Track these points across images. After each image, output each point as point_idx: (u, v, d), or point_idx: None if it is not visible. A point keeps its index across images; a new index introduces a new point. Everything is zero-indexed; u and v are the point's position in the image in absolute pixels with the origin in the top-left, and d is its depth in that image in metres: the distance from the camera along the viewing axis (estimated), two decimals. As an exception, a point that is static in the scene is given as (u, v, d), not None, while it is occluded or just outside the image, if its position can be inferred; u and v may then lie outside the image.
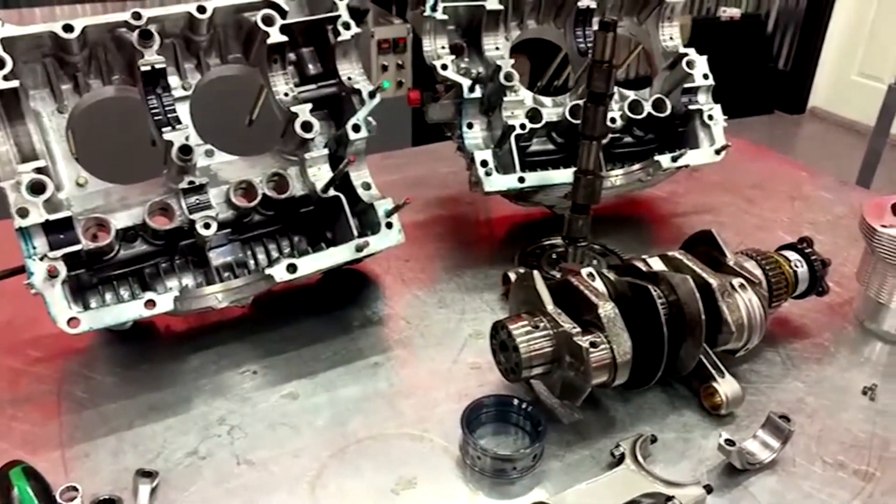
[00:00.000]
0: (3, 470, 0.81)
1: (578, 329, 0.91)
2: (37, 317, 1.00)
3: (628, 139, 1.44)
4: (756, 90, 6.15)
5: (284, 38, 1.09)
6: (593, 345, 0.90)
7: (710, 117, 1.38)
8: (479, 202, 1.54)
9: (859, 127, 5.27)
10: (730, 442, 0.87)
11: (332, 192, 1.09)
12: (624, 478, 0.84)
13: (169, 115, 1.04)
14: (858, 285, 1.19)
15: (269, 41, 1.08)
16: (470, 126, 1.32)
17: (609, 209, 1.54)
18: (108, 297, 1.05)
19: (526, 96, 1.34)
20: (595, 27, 1.42)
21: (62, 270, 0.92)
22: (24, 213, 0.92)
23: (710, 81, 1.40)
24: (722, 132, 1.38)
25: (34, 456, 0.86)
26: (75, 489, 0.81)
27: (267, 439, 0.93)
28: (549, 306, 0.95)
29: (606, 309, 0.93)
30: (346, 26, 1.13)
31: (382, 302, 1.22)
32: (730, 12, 5.91)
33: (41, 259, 0.92)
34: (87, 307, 0.99)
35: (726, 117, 1.39)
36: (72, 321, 0.92)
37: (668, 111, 1.38)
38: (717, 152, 1.37)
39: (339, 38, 1.13)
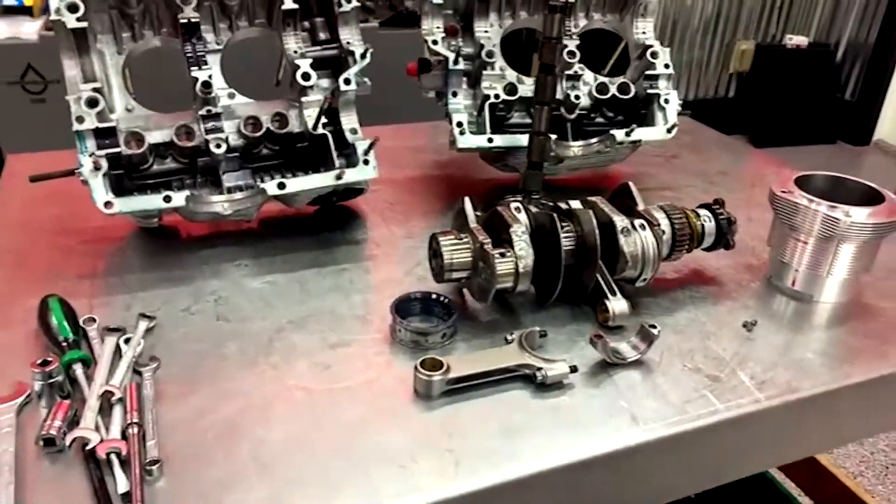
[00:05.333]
0: (44, 299, 1.10)
1: (491, 242, 1.14)
2: (81, 212, 1.31)
3: (600, 119, 1.65)
4: (820, 119, 6.16)
5: (296, 6, 1.36)
6: (502, 255, 1.13)
7: (667, 101, 1.58)
8: (467, 167, 1.78)
9: (920, 161, 5.23)
10: (598, 336, 1.07)
11: (321, 130, 1.35)
12: (506, 352, 1.06)
13: (199, 59, 1.32)
14: (769, 248, 1.37)
15: (284, 7, 1.36)
16: (455, 94, 1.56)
17: (582, 181, 1.75)
18: (141, 198, 1.34)
19: (508, 73, 1.57)
20: (577, 19, 1.65)
21: (104, 165, 1.21)
22: (80, 120, 1.21)
23: (671, 71, 1.59)
24: (675, 114, 1.58)
25: (68, 299, 1.14)
26: (94, 319, 1.09)
27: (244, 307, 1.19)
28: (472, 224, 1.18)
29: (517, 231, 1.15)
30: None
31: (362, 231, 1.47)
32: (796, 40, 5.94)
33: (90, 156, 1.21)
34: (123, 203, 1.28)
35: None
36: (107, 204, 1.20)
37: (632, 94, 1.59)
38: (669, 130, 1.56)
39: (341, 9, 1.39)
